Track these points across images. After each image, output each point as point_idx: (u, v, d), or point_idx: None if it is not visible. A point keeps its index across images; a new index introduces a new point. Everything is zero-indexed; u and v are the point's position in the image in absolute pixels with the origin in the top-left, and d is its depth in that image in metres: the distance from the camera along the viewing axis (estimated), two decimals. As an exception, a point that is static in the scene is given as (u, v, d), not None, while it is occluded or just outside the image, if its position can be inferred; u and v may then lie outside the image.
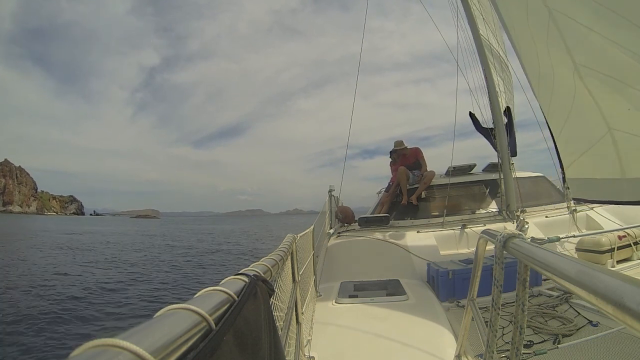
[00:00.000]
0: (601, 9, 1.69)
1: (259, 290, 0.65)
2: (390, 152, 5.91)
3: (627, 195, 2.07)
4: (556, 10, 1.94)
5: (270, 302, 0.76)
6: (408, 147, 5.79)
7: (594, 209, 4.64)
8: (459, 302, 2.97)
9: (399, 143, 5.79)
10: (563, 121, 2.55)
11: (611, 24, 1.70)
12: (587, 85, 1.99)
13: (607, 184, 2.22)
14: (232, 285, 0.57)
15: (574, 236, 3.65)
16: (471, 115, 5.31)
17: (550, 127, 2.87)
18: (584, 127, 2.31)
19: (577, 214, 4.55)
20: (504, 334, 2.14)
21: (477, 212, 5.09)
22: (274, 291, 0.79)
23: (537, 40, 2.26)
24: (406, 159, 5.73)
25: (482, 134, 5.18)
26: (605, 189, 2.25)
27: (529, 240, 1.17)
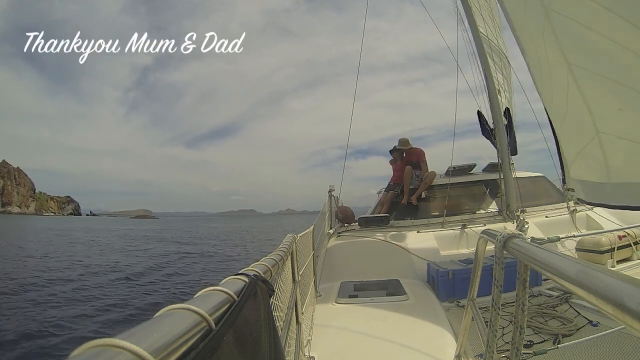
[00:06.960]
0: (600, 8, 1.68)
1: (259, 290, 0.65)
2: (391, 150, 5.90)
3: (614, 199, 2.08)
4: (552, 10, 1.94)
5: (270, 302, 0.76)
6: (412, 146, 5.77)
7: (594, 209, 4.65)
8: (459, 302, 2.97)
9: (404, 141, 5.74)
10: (560, 122, 2.56)
11: (610, 22, 1.69)
12: (579, 86, 1.99)
13: (598, 187, 2.22)
14: (232, 285, 0.57)
15: (574, 236, 3.65)
16: (479, 114, 5.24)
17: (553, 128, 2.89)
18: (576, 129, 2.33)
19: (577, 214, 4.55)
20: (504, 334, 2.14)
21: (477, 212, 5.09)
22: (274, 291, 0.79)
23: (537, 40, 2.27)
24: (409, 157, 5.73)
25: (484, 136, 5.15)
26: (598, 192, 2.26)
27: (529, 240, 1.17)
